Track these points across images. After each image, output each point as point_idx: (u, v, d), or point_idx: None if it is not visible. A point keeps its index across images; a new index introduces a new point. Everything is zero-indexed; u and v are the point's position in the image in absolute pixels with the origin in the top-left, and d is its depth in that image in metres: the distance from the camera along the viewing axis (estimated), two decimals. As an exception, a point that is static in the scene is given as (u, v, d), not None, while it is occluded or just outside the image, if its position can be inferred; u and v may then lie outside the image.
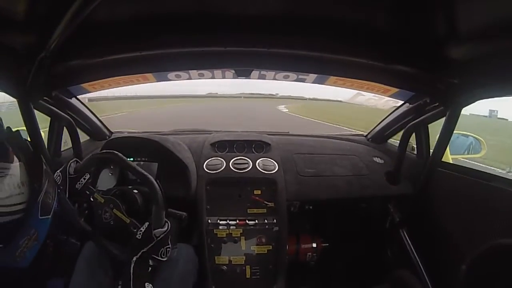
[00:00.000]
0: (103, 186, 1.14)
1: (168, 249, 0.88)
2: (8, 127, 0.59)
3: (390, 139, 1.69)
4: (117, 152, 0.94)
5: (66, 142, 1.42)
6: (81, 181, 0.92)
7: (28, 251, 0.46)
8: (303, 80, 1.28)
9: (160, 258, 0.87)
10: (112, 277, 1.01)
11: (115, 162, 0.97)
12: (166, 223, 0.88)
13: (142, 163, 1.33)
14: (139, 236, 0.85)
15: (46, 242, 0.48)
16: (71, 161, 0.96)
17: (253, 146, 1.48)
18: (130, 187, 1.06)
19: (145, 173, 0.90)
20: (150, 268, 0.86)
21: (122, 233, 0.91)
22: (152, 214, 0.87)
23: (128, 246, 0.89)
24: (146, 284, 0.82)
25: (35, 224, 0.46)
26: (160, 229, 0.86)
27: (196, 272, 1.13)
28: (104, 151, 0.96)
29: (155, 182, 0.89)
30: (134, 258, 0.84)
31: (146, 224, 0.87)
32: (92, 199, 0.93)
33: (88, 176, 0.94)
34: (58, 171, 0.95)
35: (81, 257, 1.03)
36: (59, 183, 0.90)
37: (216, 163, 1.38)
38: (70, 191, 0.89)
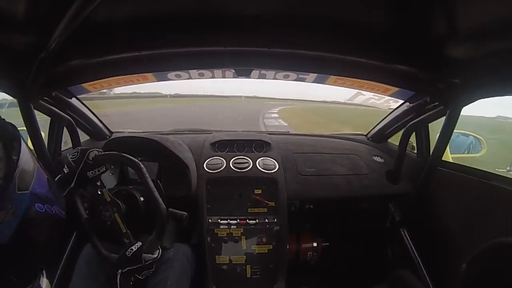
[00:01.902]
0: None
1: (150, 271, 0.91)
2: None
3: (390, 138, 1.69)
4: (141, 166, 0.92)
5: (66, 142, 1.42)
6: (95, 171, 0.90)
7: (6, 226, 0.46)
8: (303, 80, 1.29)
9: (140, 277, 0.89)
10: (111, 278, 1.02)
11: (135, 170, 0.94)
12: (158, 251, 0.90)
13: (142, 162, 1.33)
14: (128, 254, 0.86)
15: (26, 220, 0.48)
16: (93, 149, 0.94)
17: (253, 145, 1.48)
18: (131, 186, 1.06)
19: (160, 200, 0.90)
20: (131, 283, 0.90)
21: (113, 235, 0.92)
22: (150, 238, 0.89)
23: (116, 252, 0.90)
24: None
25: (12, 198, 0.46)
26: (150, 255, 0.88)
27: (193, 271, 1.14)
28: (131, 157, 0.93)
29: (165, 212, 0.89)
30: (120, 271, 0.87)
31: (139, 244, 0.88)
32: (99, 192, 0.93)
33: (104, 169, 0.92)
34: (79, 147, 0.93)
35: (81, 258, 1.04)
36: (75, 159, 0.88)
37: (216, 163, 1.38)
38: (81, 174, 0.88)
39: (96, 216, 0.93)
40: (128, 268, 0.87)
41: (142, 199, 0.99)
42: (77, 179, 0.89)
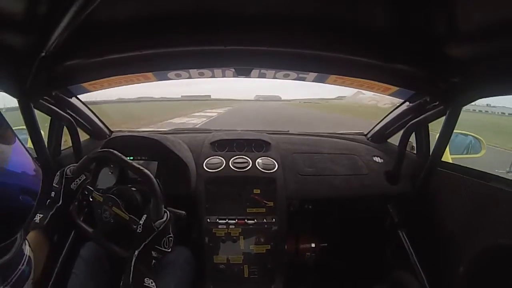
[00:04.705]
0: (103, 184, 1.15)
1: (170, 238, 0.86)
2: None
3: (390, 139, 1.69)
4: (111, 150, 0.93)
5: (66, 141, 1.42)
6: (76, 181, 0.92)
7: None
8: (303, 79, 1.28)
9: (163, 249, 0.85)
10: (111, 278, 1.02)
11: (110, 160, 0.96)
12: (165, 213, 0.87)
13: (142, 162, 1.34)
14: (139, 230, 0.83)
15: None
16: (70, 165, 0.96)
17: (253, 145, 1.48)
18: (130, 185, 1.06)
19: (141, 167, 0.89)
20: (154, 261, 0.84)
21: (123, 230, 0.90)
22: (151, 206, 0.87)
23: (130, 243, 0.86)
24: (146, 279, 0.78)
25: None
26: (160, 220, 0.85)
27: (194, 274, 1.14)
28: (98, 150, 0.95)
29: (150, 175, 0.88)
30: (136, 252, 0.81)
31: (144, 216, 0.86)
32: (91, 199, 0.93)
33: (84, 177, 0.93)
34: (58, 172, 0.95)
35: (80, 258, 1.03)
36: (56, 182, 0.91)
37: (215, 162, 1.38)
38: (65, 190, 0.89)
39: (100, 221, 0.93)
40: (144, 243, 0.82)
41: (134, 189, 0.99)
42: (62, 195, 0.89)
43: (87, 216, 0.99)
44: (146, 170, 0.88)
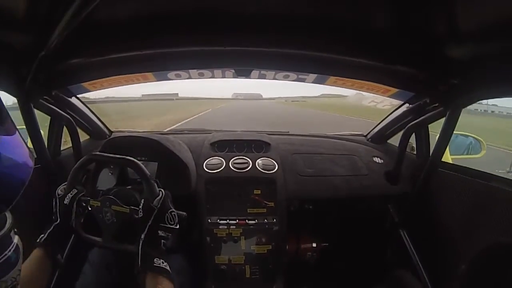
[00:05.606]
0: (103, 186, 1.14)
1: (173, 213, 0.86)
2: None
3: (390, 140, 1.69)
4: (93, 153, 0.94)
5: (66, 141, 1.42)
6: (68, 196, 0.91)
7: None
8: (303, 80, 1.28)
9: (169, 225, 0.84)
10: (118, 279, 1.01)
11: (99, 162, 0.96)
12: (161, 191, 0.87)
13: (141, 162, 1.33)
14: (140, 215, 0.84)
15: None
16: (60, 186, 0.96)
17: (253, 146, 1.48)
18: (128, 186, 1.06)
19: (123, 156, 0.90)
20: (163, 241, 0.82)
21: (128, 226, 0.89)
22: (144, 189, 0.87)
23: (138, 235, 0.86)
24: (155, 259, 0.78)
25: None
26: (157, 198, 0.85)
27: (190, 280, 1.13)
28: (81, 159, 0.94)
29: (133, 159, 0.89)
30: (143, 236, 0.81)
31: (142, 201, 0.86)
32: (89, 208, 0.92)
33: (76, 191, 0.92)
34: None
35: (87, 262, 1.04)
36: (54, 205, 0.91)
37: (216, 163, 1.38)
38: (60, 208, 0.89)
39: (104, 225, 0.91)
40: (148, 224, 0.81)
41: (129, 187, 0.98)
42: (58, 213, 0.88)
43: (89, 226, 0.98)
44: (129, 157, 0.89)
